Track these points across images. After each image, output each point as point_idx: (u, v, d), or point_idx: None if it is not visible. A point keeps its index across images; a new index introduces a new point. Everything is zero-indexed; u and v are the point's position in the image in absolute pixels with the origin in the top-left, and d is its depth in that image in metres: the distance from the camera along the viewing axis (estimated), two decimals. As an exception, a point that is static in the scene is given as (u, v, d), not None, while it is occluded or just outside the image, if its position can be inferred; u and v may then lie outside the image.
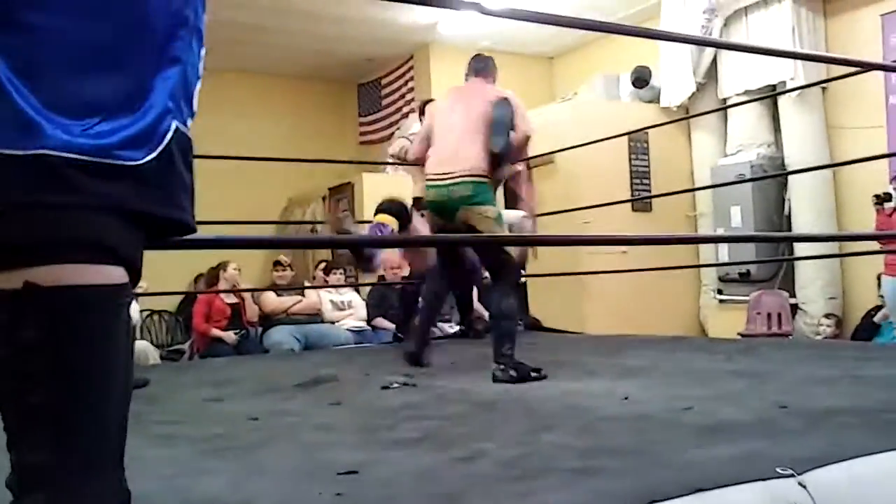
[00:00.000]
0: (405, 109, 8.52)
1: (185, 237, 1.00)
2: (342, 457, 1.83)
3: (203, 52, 1.00)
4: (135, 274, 0.89)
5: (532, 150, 6.44)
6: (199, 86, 1.00)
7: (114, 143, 0.83)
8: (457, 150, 3.37)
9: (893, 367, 2.85)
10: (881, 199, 5.13)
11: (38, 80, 0.81)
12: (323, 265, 6.60)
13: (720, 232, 6.47)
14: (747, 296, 6.19)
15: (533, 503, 1.35)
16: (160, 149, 0.88)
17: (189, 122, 0.97)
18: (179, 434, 2.29)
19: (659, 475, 1.43)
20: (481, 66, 3.65)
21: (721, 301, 6.60)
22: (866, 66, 3.36)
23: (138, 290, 5.17)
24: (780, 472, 1.34)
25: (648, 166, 6.81)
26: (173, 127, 0.90)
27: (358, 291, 6.40)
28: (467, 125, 3.40)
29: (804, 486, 1.33)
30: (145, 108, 0.87)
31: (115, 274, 0.86)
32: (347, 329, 5.91)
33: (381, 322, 5.93)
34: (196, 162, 0.97)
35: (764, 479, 1.33)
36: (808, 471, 1.36)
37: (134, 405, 2.93)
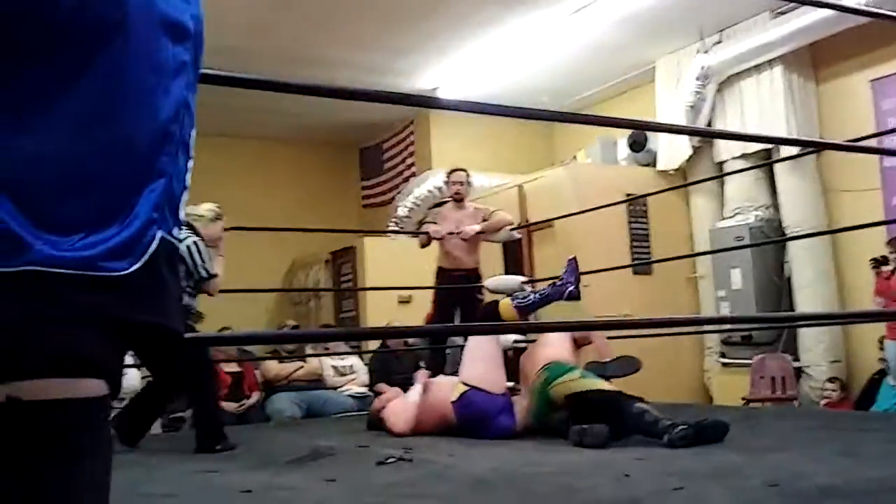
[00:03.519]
0: (406, 173, 8.65)
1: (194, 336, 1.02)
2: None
3: (190, 163, 1.03)
4: (115, 385, 0.91)
5: (532, 216, 6.58)
6: (185, 196, 1.03)
7: (97, 254, 0.86)
8: None
9: (889, 440, 2.83)
10: (879, 263, 5.15)
11: (23, 200, 0.84)
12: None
13: (721, 293, 6.49)
14: (750, 359, 6.16)
15: None
16: (144, 258, 0.90)
17: (176, 231, 1.00)
18: (171, 512, 2.30)
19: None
20: None
21: (724, 364, 6.57)
22: (847, 149, 3.43)
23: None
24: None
25: (648, 229, 6.86)
26: (158, 236, 0.93)
27: (360, 356, 6.40)
28: None
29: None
30: (129, 219, 0.90)
31: (97, 387, 0.88)
32: (349, 395, 5.89)
33: (383, 388, 5.90)
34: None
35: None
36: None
37: (131, 474, 2.91)
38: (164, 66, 0.95)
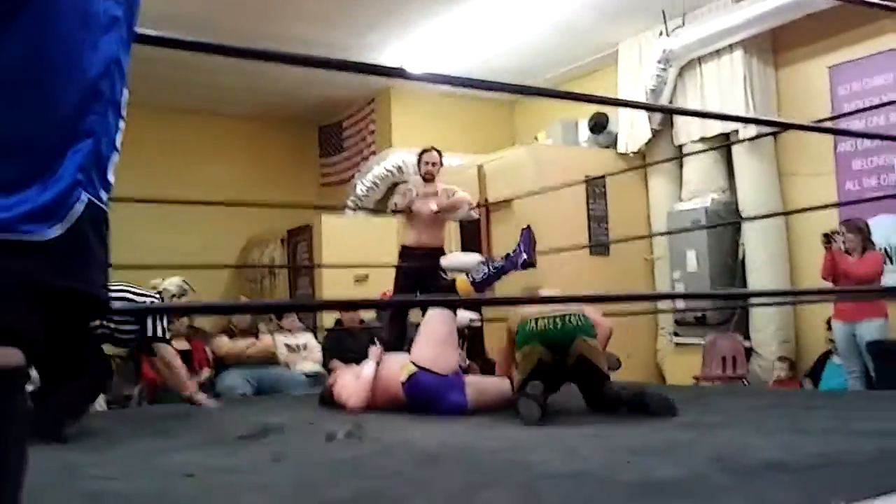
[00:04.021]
0: (366, 152, 8.55)
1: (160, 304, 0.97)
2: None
3: (122, 124, 0.98)
4: (34, 353, 0.85)
5: (491, 195, 6.56)
6: (116, 157, 0.97)
7: (16, 216, 0.81)
8: None
9: (835, 417, 2.88)
10: (829, 238, 5.21)
11: None
12: (279, 308, 6.52)
13: (676, 275, 6.55)
14: (703, 339, 6.24)
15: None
16: (69, 222, 0.85)
17: (104, 195, 0.93)
18: (109, 491, 2.22)
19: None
20: None
21: (677, 344, 6.65)
22: (806, 128, 3.47)
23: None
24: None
25: (606, 210, 6.89)
26: (84, 199, 0.88)
27: (315, 334, 6.33)
28: None
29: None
30: (52, 181, 0.85)
31: (11, 356, 0.82)
32: (302, 373, 5.82)
33: (336, 365, 5.84)
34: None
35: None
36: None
37: (71, 455, 2.80)
38: (94, 21, 0.89)
